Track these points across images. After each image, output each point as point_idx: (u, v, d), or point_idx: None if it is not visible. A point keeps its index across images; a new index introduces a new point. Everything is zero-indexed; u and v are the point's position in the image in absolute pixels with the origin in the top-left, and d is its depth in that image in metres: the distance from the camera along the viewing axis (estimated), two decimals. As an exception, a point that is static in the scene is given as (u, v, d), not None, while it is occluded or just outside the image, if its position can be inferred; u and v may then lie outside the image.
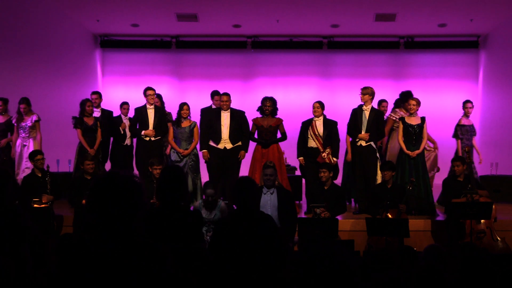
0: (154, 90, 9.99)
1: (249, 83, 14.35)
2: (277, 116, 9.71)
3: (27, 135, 9.50)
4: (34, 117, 9.53)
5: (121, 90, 13.77)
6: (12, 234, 4.55)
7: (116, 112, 10.52)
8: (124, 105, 10.46)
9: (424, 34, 13.77)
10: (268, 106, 9.50)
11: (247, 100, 12.31)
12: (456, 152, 9.79)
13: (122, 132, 10.20)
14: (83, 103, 9.76)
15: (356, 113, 9.62)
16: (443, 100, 13.43)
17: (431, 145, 9.88)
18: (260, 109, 9.65)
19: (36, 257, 2.97)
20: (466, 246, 4.48)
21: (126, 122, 10.26)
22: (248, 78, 14.42)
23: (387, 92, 13.56)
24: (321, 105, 9.65)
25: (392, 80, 14.18)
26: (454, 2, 11.47)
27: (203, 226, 4.21)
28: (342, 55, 14.30)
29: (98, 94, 10.54)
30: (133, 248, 2.46)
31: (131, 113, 10.17)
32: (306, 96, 13.23)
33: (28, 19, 11.30)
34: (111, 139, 10.36)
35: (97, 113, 10.22)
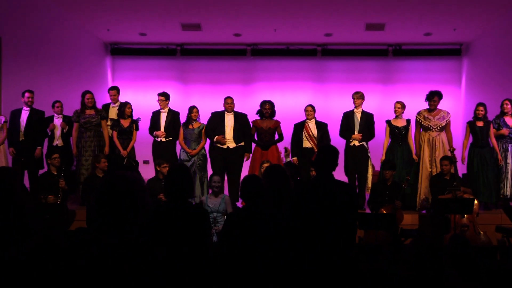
0: (163, 96, 9.96)
1: (248, 87, 14.33)
2: (275, 118, 9.74)
3: None
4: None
5: (130, 94, 13.74)
6: (18, 229, 4.54)
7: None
8: (56, 103, 9.82)
9: (411, 42, 13.76)
10: (268, 108, 9.59)
11: (247, 103, 12.31)
12: None
13: (49, 133, 9.71)
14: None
15: (348, 116, 9.66)
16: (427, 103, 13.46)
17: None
18: (259, 112, 9.73)
19: (43, 250, 2.96)
20: (454, 237, 4.49)
21: (57, 121, 9.70)
22: (247, 83, 14.41)
23: (376, 96, 13.60)
24: (313, 108, 9.76)
25: (381, 85, 14.19)
26: (439, 13, 11.48)
27: (209, 218, 4.16)
28: (335, 61, 14.29)
29: (116, 90, 10.41)
30: (133, 246, 2.46)
31: (67, 112, 9.85)
32: (302, 100, 13.20)
33: (45, 29, 11.30)
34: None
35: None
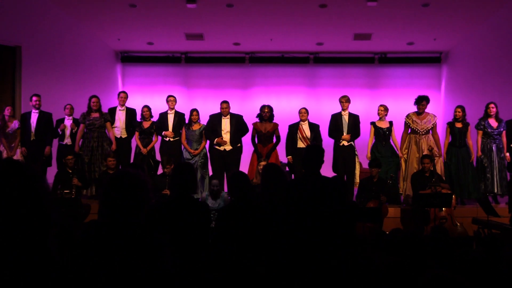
0: (173, 96, 10.01)
1: (247, 92, 14.33)
2: (273, 121, 9.76)
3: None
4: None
5: (138, 98, 13.73)
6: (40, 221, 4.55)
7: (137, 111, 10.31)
8: (67, 105, 9.77)
9: (395, 51, 13.78)
10: (266, 112, 9.60)
11: (245, 106, 12.33)
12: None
13: (60, 133, 9.78)
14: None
15: (336, 118, 9.69)
16: (410, 107, 13.43)
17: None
18: (259, 116, 9.71)
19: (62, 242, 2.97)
20: (435, 228, 4.53)
21: (68, 122, 9.73)
22: (246, 88, 14.41)
23: (363, 100, 13.62)
24: (306, 110, 9.78)
25: (367, 89, 14.20)
26: (420, 24, 11.52)
27: (209, 211, 4.18)
28: (325, 68, 14.29)
29: (124, 93, 10.35)
30: (137, 235, 2.49)
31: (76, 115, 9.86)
32: (295, 103, 13.21)
33: (60, 38, 11.33)
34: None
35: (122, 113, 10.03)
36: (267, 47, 13.52)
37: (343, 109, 9.70)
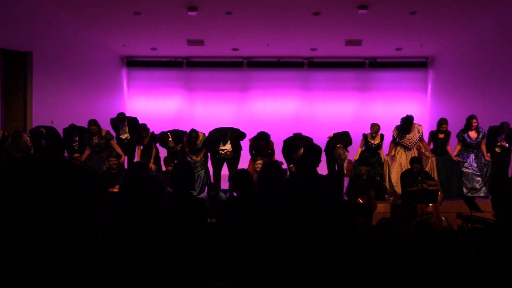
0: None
1: (245, 94, 14.35)
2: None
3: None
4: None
5: (142, 100, 13.75)
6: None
7: (141, 120, 10.12)
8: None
9: (384, 56, 13.83)
10: (263, 146, 8.93)
11: (243, 108, 12.34)
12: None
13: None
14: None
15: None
16: (398, 108, 13.46)
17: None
18: (255, 143, 9.03)
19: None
20: (421, 223, 4.55)
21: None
22: (244, 90, 14.42)
23: (355, 102, 13.66)
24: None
25: (358, 92, 14.22)
26: (408, 31, 11.57)
27: (206, 206, 4.19)
28: (319, 72, 14.32)
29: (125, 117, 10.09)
30: (146, 234, 2.51)
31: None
32: (290, 105, 13.29)
33: (69, 44, 11.34)
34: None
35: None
36: (264, 52, 13.55)
37: None
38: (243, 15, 10.86)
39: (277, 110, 13.03)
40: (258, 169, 7.63)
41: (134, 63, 14.36)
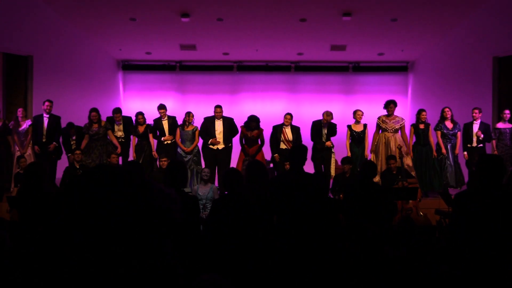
0: (164, 108, 9.97)
1: (235, 97, 14.37)
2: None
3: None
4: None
5: (138, 102, 13.71)
6: (45, 212, 4.50)
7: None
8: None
9: (367, 61, 13.91)
10: (254, 126, 9.56)
11: (233, 110, 12.34)
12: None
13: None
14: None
15: (316, 125, 9.72)
16: (381, 109, 13.54)
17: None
18: (246, 125, 9.62)
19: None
20: (403, 219, 4.62)
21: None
22: (234, 93, 14.44)
23: (339, 104, 13.71)
24: (291, 116, 9.77)
25: (343, 95, 14.29)
26: (390, 37, 11.67)
27: (198, 203, 4.21)
28: (305, 76, 14.37)
29: (120, 113, 10.14)
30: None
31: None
32: (278, 107, 13.31)
33: (68, 49, 11.33)
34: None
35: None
36: (253, 57, 13.57)
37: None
38: (234, 22, 10.90)
39: (266, 111, 13.03)
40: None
41: (129, 66, 14.31)
